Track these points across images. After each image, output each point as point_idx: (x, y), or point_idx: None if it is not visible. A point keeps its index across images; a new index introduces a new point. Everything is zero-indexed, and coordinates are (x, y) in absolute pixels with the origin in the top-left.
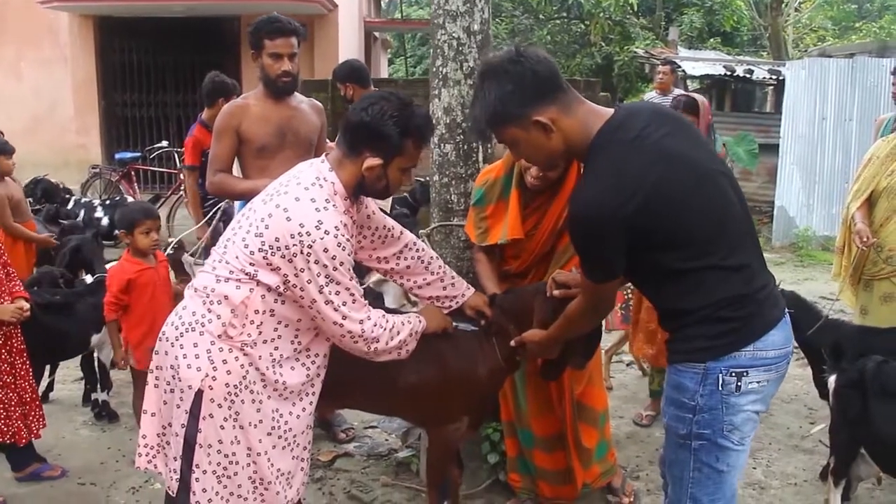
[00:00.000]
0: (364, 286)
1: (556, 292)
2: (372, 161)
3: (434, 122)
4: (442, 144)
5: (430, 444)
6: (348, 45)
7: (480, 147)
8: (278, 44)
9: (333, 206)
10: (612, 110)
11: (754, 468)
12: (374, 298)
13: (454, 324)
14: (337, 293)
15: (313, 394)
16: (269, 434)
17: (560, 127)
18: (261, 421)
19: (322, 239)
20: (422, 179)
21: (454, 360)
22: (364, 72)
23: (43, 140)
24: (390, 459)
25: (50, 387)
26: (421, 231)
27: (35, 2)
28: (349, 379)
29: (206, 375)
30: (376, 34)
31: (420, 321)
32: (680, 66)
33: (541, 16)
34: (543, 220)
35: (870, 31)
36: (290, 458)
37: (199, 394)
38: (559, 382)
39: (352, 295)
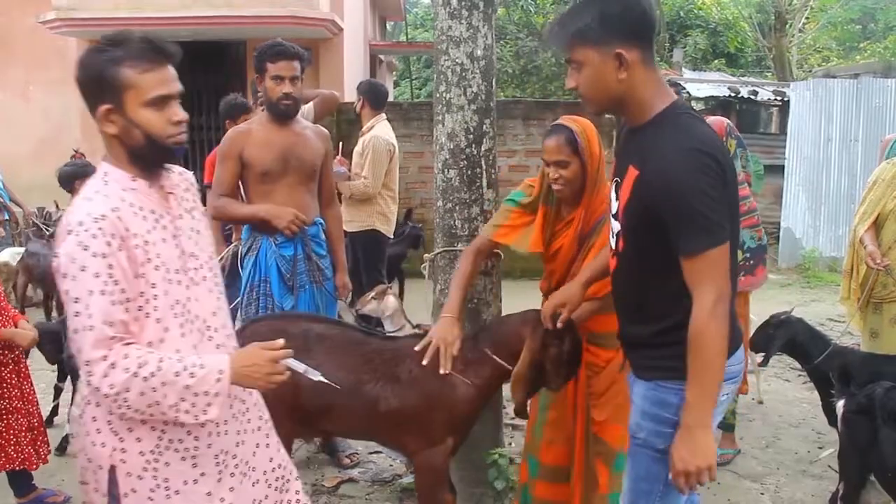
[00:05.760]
0: (358, 312)
1: (562, 317)
2: (102, 110)
3: (438, 147)
4: (446, 170)
5: (416, 471)
6: (354, 69)
7: (484, 173)
8: (280, 66)
9: (104, 196)
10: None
11: (762, 494)
12: (371, 323)
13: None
14: (76, 314)
15: (250, 408)
16: (220, 480)
17: (633, 73)
18: (202, 473)
19: (70, 241)
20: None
21: (430, 385)
22: (377, 92)
23: (50, 163)
24: (395, 485)
25: (54, 411)
26: (425, 255)
27: (44, 27)
28: (333, 404)
29: (114, 449)
30: (381, 57)
31: (219, 378)
32: (685, 88)
33: (545, 37)
34: (570, 227)
35: (874, 52)
36: (251, 484)
37: (112, 471)
38: (577, 409)
39: (89, 312)
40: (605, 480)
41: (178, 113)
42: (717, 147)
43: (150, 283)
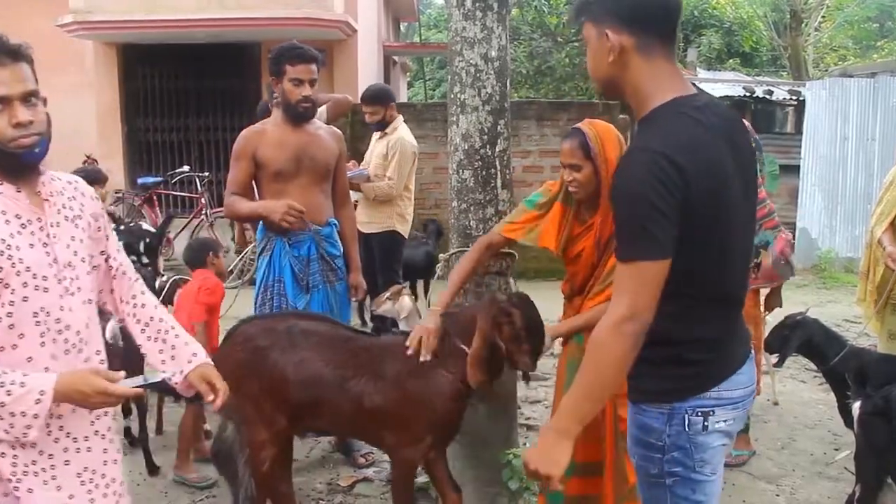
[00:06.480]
0: (374, 312)
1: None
2: None
3: (452, 148)
4: (461, 171)
5: (394, 466)
6: (368, 70)
7: (499, 173)
8: (299, 70)
9: None
10: (695, 90)
11: (777, 496)
12: (386, 324)
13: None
14: None
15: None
16: (92, 501)
17: (625, 59)
18: (71, 496)
19: None
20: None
21: (413, 381)
22: (374, 92)
23: (66, 165)
24: None
25: None
26: (440, 255)
27: (62, 30)
28: (320, 399)
29: None
30: (395, 58)
31: (39, 399)
32: (699, 88)
33: (559, 38)
34: (591, 231)
35: (892, 50)
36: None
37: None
38: (605, 406)
39: None
40: (633, 475)
41: (17, 115)
42: (686, 151)
43: (10, 288)
